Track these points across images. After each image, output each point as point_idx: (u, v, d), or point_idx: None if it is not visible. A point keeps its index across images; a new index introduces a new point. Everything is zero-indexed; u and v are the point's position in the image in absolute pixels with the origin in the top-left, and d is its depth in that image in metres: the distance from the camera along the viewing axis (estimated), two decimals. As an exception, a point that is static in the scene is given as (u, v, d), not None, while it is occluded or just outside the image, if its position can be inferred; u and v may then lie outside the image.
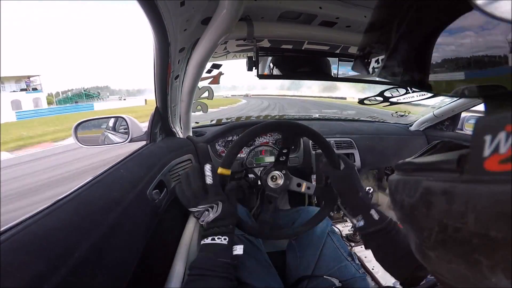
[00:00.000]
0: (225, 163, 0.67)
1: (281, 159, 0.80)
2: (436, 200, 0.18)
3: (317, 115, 2.00)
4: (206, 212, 0.59)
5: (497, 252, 0.14)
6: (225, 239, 0.57)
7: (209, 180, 0.60)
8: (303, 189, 0.77)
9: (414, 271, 0.52)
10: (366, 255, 1.05)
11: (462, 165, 0.17)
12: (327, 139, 0.77)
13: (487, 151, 0.15)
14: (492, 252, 0.15)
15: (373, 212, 0.64)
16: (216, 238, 0.57)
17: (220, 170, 0.66)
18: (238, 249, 0.58)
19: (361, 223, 0.64)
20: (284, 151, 0.79)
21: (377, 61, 0.28)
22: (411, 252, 0.54)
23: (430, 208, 0.19)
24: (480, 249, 0.15)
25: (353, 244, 1.12)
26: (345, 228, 1.29)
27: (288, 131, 0.78)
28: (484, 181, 0.15)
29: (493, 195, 0.14)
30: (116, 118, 1.10)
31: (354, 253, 1.05)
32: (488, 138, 0.15)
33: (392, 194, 0.25)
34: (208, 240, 0.57)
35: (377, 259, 0.66)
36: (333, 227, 0.94)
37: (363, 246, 1.02)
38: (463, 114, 1.77)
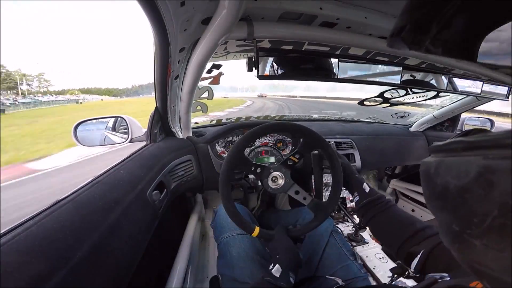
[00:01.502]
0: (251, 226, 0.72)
1: (289, 163, 0.78)
2: (499, 179, 0.17)
3: (317, 116, 2.00)
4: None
5: None
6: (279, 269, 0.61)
7: None
8: (299, 198, 0.77)
9: (404, 244, 0.57)
10: (367, 254, 1.05)
11: None
12: (327, 140, 0.77)
13: None
14: None
15: (365, 186, 0.74)
16: (277, 266, 0.62)
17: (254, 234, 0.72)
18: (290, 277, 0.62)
19: (357, 198, 0.74)
20: (296, 156, 0.78)
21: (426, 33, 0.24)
22: (403, 225, 0.54)
23: (491, 189, 0.17)
24: None
25: (354, 243, 1.12)
26: (346, 228, 1.29)
27: (309, 138, 0.77)
28: None
29: None
30: (116, 118, 1.10)
31: (356, 252, 1.05)
32: None
33: (429, 179, 0.23)
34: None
35: (373, 233, 0.73)
36: (336, 226, 0.94)
37: (364, 245, 1.01)
38: (463, 115, 1.77)
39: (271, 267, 0.61)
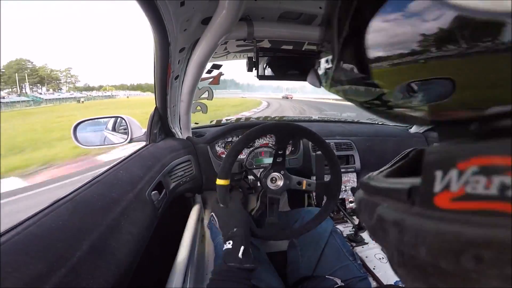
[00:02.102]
0: (222, 174, 0.72)
1: (278, 160, 0.79)
2: (389, 228, 0.18)
3: (317, 117, 2.00)
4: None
5: (450, 280, 0.14)
6: (229, 243, 0.60)
7: None
8: (304, 186, 0.77)
9: None
10: (367, 255, 1.05)
11: (413, 196, 0.16)
12: (327, 141, 0.77)
13: (437, 187, 0.14)
14: (445, 280, 0.14)
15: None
16: (226, 244, 0.60)
17: (218, 182, 0.71)
18: (240, 251, 0.60)
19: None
20: (280, 152, 0.79)
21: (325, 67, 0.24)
22: None
23: (387, 235, 0.18)
24: (435, 275, 0.15)
25: (354, 244, 1.11)
26: (346, 228, 1.29)
27: (281, 132, 0.78)
28: (433, 217, 0.14)
29: (442, 233, 0.13)
30: (116, 118, 1.10)
31: (356, 253, 1.05)
32: (439, 173, 0.14)
33: (357, 212, 0.25)
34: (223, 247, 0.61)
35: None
36: (335, 227, 0.94)
37: (364, 246, 1.01)
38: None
39: (226, 245, 0.60)
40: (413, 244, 0.15)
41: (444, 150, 0.14)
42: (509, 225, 0.11)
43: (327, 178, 0.89)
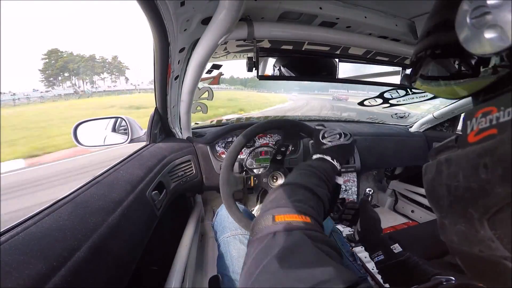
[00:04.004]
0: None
1: (278, 158, 0.79)
2: (443, 167, 0.24)
3: (317, 116, 2.00)
4: (338, 136, 0.66)
5: (480, 201, 0.19)
6: (339, 165, 0.60)
7: None
8: None
9: None
10: (366, 255, 1.05)
11: (458, 141, 0.24)
12: None
13: (468, 130, 0.22)
14: (477, 203, 0.20)
15: (395, 246, 0.67)
16: (335, 161, 0.60)
17: None
18: (339, 179, 0.62)
19: (381, 257, 0.67)
20: (282, 149, 0.79)
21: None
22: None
23: (441, 175, 0.24)
24: (470, 202, 0.20)
25: (353, 244, 1.11)
26: (345, 228, 1.29)
27: (285, 127, 0.79)
28: (466, 149, 0.22)
29: (468, 154, 0.21)
30: (116, 118, 1.10)
31: (355, 253, 1.05)
32: (468, 122, 0.22)
33: (423, 178, 0.29)
34: (327, 157, 0.60)
35: None
36: (335, 227, 0.94)
37: (363, 246, 1.01)
38: (463, 116, 1.77)
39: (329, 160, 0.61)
40: (455, 173, 0.22)
41: (470, 110, 0.23)
42: (495, 139, 0.18)
43: None
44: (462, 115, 1.73)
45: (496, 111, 0.19)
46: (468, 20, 0.21)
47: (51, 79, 58.75)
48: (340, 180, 0.63)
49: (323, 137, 0.66)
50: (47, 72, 58.28)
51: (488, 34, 0.19)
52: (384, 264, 0.65)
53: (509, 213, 0.17)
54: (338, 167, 0.60)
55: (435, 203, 0.26)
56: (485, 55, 0.20)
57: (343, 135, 0.66)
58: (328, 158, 0.60)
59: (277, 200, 0.41)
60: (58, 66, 58.69)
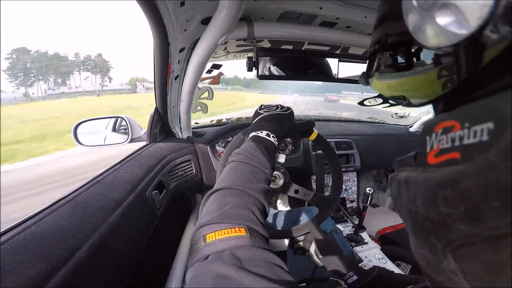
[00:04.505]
0: None
1: (280, 159, 0.79)
2: (402, 188, 0.21)
3: (317, 116, 2.00)
4: (274, 107, 0.59)
5: (441, 233, 0.17)
6: (276, 140, 0.52)
7: None
8: (300, 196, 0.77)
9: None
10: (366, 255, 1.05)
11: (418, 159, 0.21)
12: (327, 140, 0.77)
13: (427, 148, 0.18)
14: (438, 233, 0.17)
15: (364, 263, 0.64)
16: (270, 135, 0.52)
17: None
18: (280, 158, 0.57)
19: (354, 277, 0.62)
20: (282, 145, 0.78)
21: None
22: None
23: (401, 196, 0.21)
24: (432, 231, 0.18)
25: (353, 244, 1.12)
26: (346, 228, 1.29)
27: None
28: (425, 171, 0.18)
29: (426, 181, 0.17)
30: (116, 118, 1.10)
31: (356, 253, 1.05)
32: (427, 138, 0.18)
33: (389, 189, 0.28)
34: (262, 134, 0.52)
35: None
36: (335, 226, 0.94)
37: (363, 246, 1.01)
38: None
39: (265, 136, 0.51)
40: (414, 199, 0.19)
41: (429, 121, 0.19)
42: (457, 167, 0.15)
43: (327, 177, 0.89)
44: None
45: (458, 127, 0.15)
46: (414, 1, 0.16)
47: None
48: (281, 158, 0.58)
49: (260, 109, 0.60)
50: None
51: (441, 18, 0.15)
52: (360, 285, 0.61)
53: (473, 250, 0.15)
54: (275, 141, 0.52)
55: (402, 220, 0.23)
56: (442, 49, 0.16)
57: (279, 107, 0.60)
58: (263, 134, 0.52)
59: (209, 213, 0.36)
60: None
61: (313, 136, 0.69)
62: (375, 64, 0.27)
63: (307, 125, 0.67)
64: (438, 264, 0.18)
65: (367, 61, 0.28)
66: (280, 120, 0.56)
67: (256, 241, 0.32)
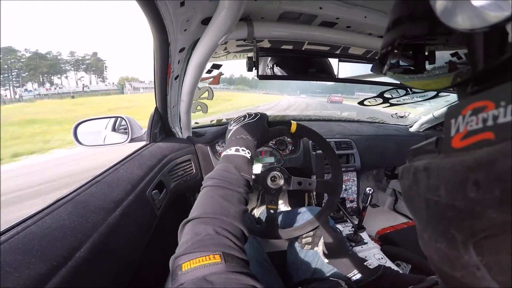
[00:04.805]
0: None
1: (277, 158, 0.79)
2: (420, 176, 0.20)
3: (317, 116, 2.00)
4: (242, 118, 0.58)
5: (465, 223, 0.16)
6: (248, 152, 0.52)
7: None
8: (304, 186, 0.76)
9: None
10: (366, 255, 1.05)
11: (439, 145, 0.20)
12: (327, 140, 0.77)
13: (452, 132, 0.18)
14: (461, 224, 0.16)
15: (368, 262, 0.65)
16: (240, 150, 0.52)
17: None
18: (256, 168, 0.56)
19: (358, 276, 0.63)
20: (281, 148, 0.78)
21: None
22: None
23: (418, 185, 0.20)
24: (453, 222, 0.17)
25: (353, 244, 1.12)
26: (345, 228, 1.29)
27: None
28: (450, 156, 0.18)
29: (453, 165, 0.17)
30: (116, 118, 1.10)
31: (355, 252, 1.05)
32: (452, 121, 0.18)
33: (399, 180, 0.26)
34: (231, 152, 0.52)
35: None
36: (335, 226, 0.94)
37: (363, 246, 1.01)
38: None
39: (240, 152, 0.51)
40: (436, 186, 0.18)
41: (455, 105, 0.18)
42: (493, 148, 0.14)
43: (327, 177, 0.89)
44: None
45: (493, 107, 0.15)
46: None
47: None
48: (256, 169, 0.57)
49: (230, 125, 0.60)
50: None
51: (478, 1, 0.14)
52: (364, 283, 0.62)
53: (502, 241, 0.14)
54: (247, 154, 0.52)
55: (413, 213, 0.23)
56: (475, 31, 0.15)
57: (247, 116, 0.59)
58: (231, 151, 0.52)
59: (185, 243, 0.36)
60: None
61: (293, 128, 0.69)
62: (387, 65, 0.26)
63: (283, 122, 0.67)
64: (458, 258, 0.17)
65: (378, 61, 0.28)
66: (249, 130, 0.56)
67: (231, 266, 0.33)
